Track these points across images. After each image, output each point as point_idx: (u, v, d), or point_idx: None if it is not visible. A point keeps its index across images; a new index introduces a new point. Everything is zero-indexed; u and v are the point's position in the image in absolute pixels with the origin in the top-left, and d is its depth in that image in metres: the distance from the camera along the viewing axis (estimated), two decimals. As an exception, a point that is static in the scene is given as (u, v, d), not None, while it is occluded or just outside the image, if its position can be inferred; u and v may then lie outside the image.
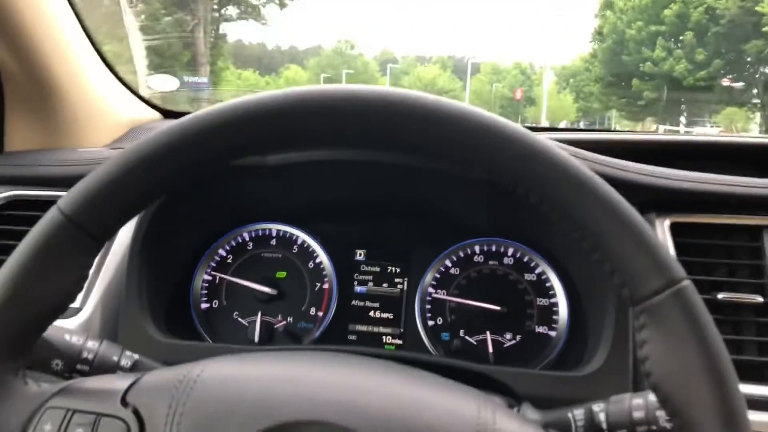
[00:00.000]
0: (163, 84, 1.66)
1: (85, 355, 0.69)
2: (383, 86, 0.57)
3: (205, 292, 1.12)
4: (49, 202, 1.07)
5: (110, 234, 0.58)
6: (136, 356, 0.72)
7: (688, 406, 0.48)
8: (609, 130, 1.39)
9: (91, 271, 1.00)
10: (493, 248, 1.11)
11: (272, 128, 0.55)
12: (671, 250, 0.94)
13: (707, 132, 13.71)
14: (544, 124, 37.07)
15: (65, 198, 0.56)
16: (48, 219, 0.56)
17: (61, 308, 0.57)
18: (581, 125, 41.35)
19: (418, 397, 0.52)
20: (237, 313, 1.11)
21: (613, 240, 0.52)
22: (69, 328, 0.71)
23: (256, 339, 1.07)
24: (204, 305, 1.12)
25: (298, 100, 0.55)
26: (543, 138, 0.56)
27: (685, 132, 15.08)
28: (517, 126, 0.55)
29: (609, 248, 0.52)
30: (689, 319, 0.49)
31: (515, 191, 0.55)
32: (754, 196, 0.96)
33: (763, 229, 0.95)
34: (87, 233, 0.56)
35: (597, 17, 34.65)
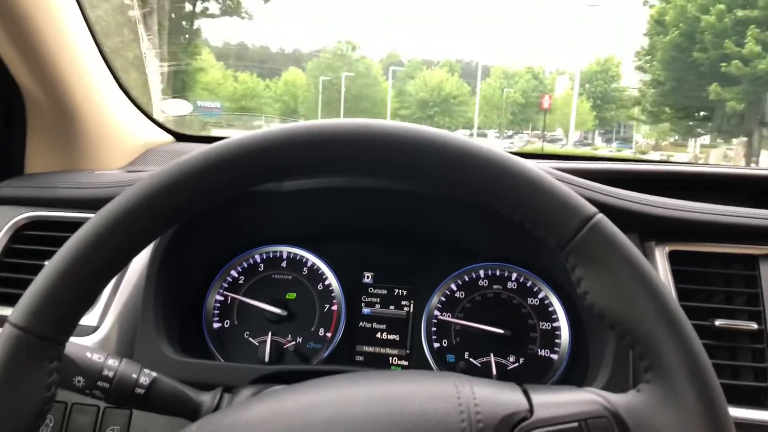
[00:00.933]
0: (177, 108, 1.70)
1: (105, 372, 0.72)
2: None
3: (217, 312, 1.15)
4: (67, 223, 1.12)
5: (70, 332, 0.58)
6: (154, 374, 0.75)
7: (635, 322, 0.54)
8: (613, 159, 1.42)
9: (108, 290, 1.04)
10: (497, 273, 1.14)
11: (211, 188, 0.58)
12: (669, 278, 0.97)
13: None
14: (573, 133, 35.45)
15: (14, 310, 0.55)
16: (3, 335, 0.54)
17: (40, 419, 0.56)
18: (596, 136, 39.10)
19: (398, 393, 0.55)
20: (248, 332, 1.14)
21: (524, 199, 0.57)
22: (90, 346, 0.74)
23: (267, 359, 1.10)
24: (216, 325, 1.15)
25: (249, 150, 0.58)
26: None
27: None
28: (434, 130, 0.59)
29: (523, 207, 0.58)
30: (611, 246, 0.55)
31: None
32: (751, 226, 0.99)
33: (759, 258, 0.98)
34: (44, 339, 0.55)
35: (647, 4, 24.92)
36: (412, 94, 44.71)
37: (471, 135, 38.48)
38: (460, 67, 51.41)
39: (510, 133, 43.16)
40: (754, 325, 0.93)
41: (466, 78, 48.01)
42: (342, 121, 0.59)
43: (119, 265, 0.58)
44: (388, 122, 0.59)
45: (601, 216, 0.56)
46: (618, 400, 0.55)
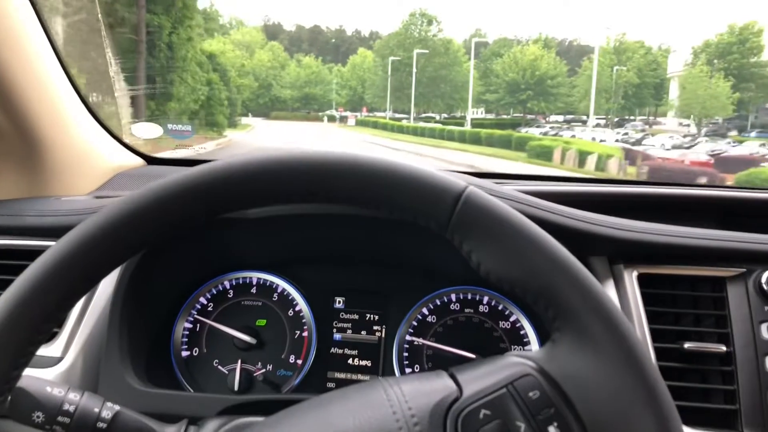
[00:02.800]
0: (147, 131, 1.69)
1: (66, 407, 0.70)
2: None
3: (186, 339, 1.14)
4: (31, 251, 1.10)
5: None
6: (117, 407, 0.73)
7: (531, 279, 0.56)
8: (579, 180, 1.44)
9: (72, 320, 1.02)
10: (469, 296, 1.14)
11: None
12: (639, 300, 0.98)
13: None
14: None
15: None
16: None
17: None
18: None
19: (332, 414, 0.56)
20: (217, 360, 1.12)
21: (394, 193, 0.59)
22: (50, 380, 0.72)
23: (236, 387, 1.08)
24: (184, 353, 1.13)
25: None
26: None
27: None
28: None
29: (396, 202, 0.59)
30: (489, 214, 0.57)
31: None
32: (717, 248, 1.00)
33: (726, 280, 0.99)
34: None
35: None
36: (500, 74, 38.02)
37: (569, 124, 32.67)
38: (556, 44, 43.95)
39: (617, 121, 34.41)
40: (723, 348, 0.94)
41: (562, 56, 39.71)
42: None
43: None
44: (290, 153, 0.60)
45: (471, 188, 0.58)
46: (537, 355, 0.57)
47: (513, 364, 0.57)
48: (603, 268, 1.02)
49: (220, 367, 1.12)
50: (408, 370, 1.11)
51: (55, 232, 1.11)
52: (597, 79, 34.03)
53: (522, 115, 37.57)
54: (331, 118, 37.46)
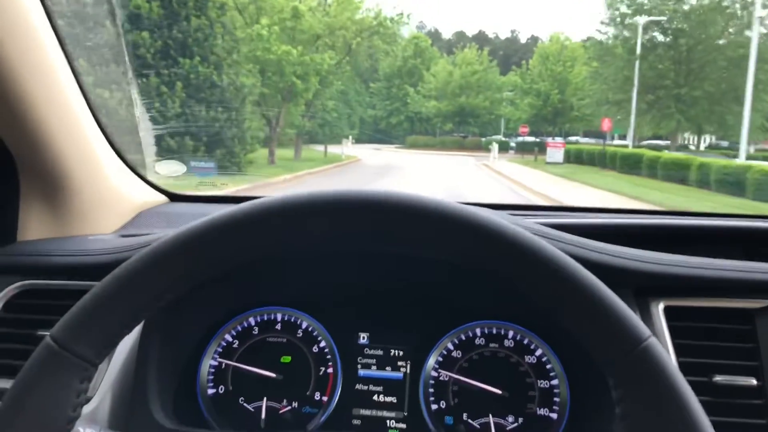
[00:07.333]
0: (171, 169, 1.72)
1: None
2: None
3: (212, 377, 1.14)
4: (60, 291, 1.11)
5: (103, 357, 0.61)
6: None
7: None
8: (597, 210, 1.43)
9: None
10: (494, 331, 1.14)
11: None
12: (666, 333, 0.97)
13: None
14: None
15: (56, 326, 0.59)
16: (41, 348, 0.58)
17: None
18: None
19: None
20: (243, 398, 1.12)
21: (579, 311, 0.58)
22: (82, 417, 0.73)
23: (262, 425, 1.08)
24: (210, 391, 1.13)
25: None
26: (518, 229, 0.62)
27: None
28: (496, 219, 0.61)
29: (577, 319, 0.58)
30: (659, 375, 0.54)
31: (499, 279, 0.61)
32: (745, 280, 0.99)
33: (755, 312, 0.98)
34: (80, 357, 0.59)
35: None
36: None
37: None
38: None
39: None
40: (753, 381, 0.93)
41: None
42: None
43: (164, 297, 0.64)
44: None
45: (653, 340, 0.56)
46: None
47: None
48: (629, 300, 1.01)
49: (245, 404, 1.12)
50: (434, 406, 1.10)
51: (84, 271, 1.13)
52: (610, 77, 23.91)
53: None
54: (503, 147, 23.80)
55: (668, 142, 24.81)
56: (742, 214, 1.35)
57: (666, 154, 17.39)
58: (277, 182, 12.02)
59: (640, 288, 1.02)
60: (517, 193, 13.10)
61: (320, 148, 19.39)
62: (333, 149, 19.47)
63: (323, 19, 18.44)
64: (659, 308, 1.00)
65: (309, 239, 0.65)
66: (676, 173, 15.70)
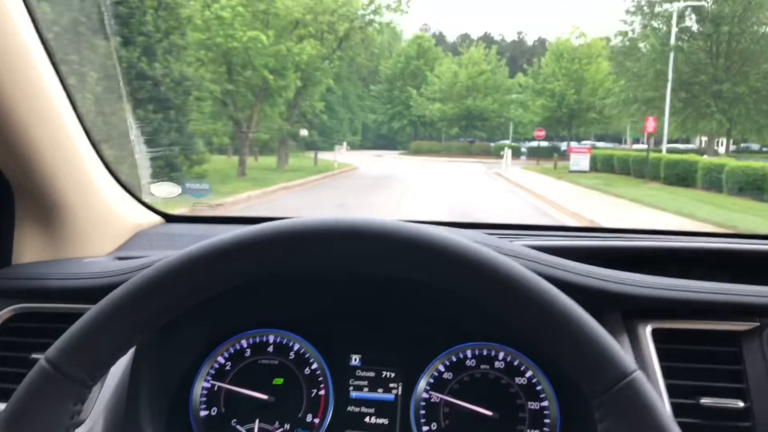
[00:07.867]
0: (166, 191, 1.73)
1: None
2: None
3: (204, 399, 1.14)
4: (54, 314, 1.12)
5: (97, 379, 0.62)
6: None
7: None
8: (583, 230, 1.44)
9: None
10: (485, 352, 1.15)
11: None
12: (653, 356, 0.98)
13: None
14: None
15: (51, 348, 0.60)
16: (35, 370, 0.59)
17: None
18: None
19: None
20: (235, 420, 1.13)
21: (565, 342, 0.59)
22: None
23: None
24: (203, 413, 1.14)
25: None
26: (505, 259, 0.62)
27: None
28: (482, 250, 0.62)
29: (563, 350, 0.59)
30: (644, 408, 0.55)
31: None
32: (730, 303, 1.01)
33: (741, 335, 0.99)
34: (74, 380, 0.60)
35: None
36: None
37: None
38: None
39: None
40: (740, 403, 0.94)
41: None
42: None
43: (158, 321, 0.66)
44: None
45: (638, 374, 0.57)
46: None
47: None
48: (617, 323, 1.02)
49: (238, 426, 1.12)
50: (425, 428, 1.11)
51: (77, 295, 1.13)
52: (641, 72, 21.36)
53: None
54: (514, 152, 22.04)
55: (688, 145, 22.61)
56: (730, 234, 1.36)
57: (733, 162, 14.19)
58: (238, 201, 9.70)
59: (628, 311, 1.03)
60: (546, 214, 10.55)
61: (322, 155, 18.32)
62: (330, 156, 18.41)
63: (303, 0, 15.75)
64: (647, 331, 1.01)
65: (278, 267, 0.71)
66: (750, 186, 12.80)
